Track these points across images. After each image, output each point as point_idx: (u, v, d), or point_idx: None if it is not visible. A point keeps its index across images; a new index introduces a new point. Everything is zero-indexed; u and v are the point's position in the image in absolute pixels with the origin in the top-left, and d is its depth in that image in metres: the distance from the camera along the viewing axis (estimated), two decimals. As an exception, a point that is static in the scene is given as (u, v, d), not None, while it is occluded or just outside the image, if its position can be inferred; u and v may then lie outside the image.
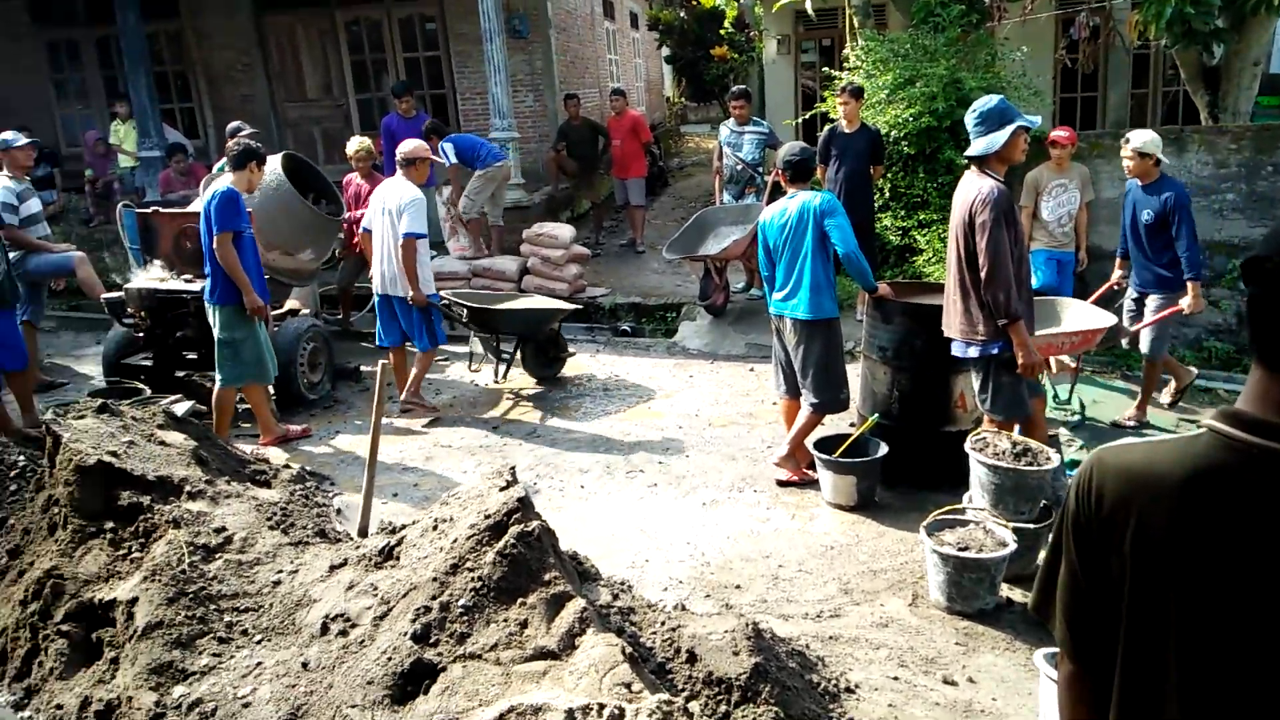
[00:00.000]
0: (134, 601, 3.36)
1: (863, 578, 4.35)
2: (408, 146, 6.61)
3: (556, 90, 12.25)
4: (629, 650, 2.88)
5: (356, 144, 8.25)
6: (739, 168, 8.82)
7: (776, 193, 6.19)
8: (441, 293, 6.94)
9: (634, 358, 7.88)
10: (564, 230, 9.16)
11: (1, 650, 3.52)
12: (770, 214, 5.30)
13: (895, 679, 3.55)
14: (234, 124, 8.67)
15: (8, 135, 7.22)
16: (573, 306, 7.53)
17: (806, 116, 11.35)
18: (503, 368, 7.14)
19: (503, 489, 3.47)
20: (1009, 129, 4.24)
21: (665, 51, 19.01)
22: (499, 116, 10.18)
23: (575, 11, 14.07)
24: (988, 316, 4.33)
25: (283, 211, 6.94)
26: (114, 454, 3.95)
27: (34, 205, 7.28)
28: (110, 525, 3.75)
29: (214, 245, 5.67)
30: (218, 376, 5.88)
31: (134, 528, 3.72)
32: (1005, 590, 4.12)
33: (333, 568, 3.57)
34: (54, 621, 3.44)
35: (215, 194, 5.75)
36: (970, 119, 4.36)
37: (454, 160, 9.28)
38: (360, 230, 7.00)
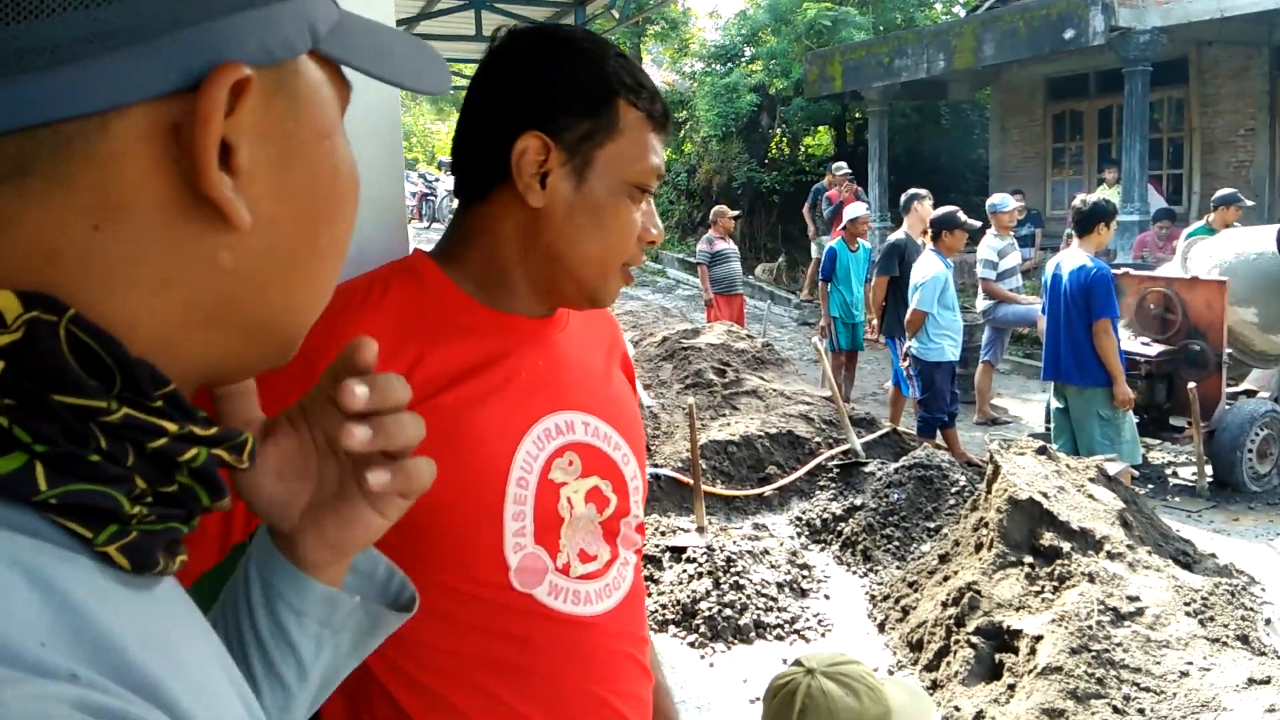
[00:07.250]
0: (1038, 639, 3.49)
1: None
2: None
3: None
4: None
5: None
6: None
7: None
8: None
9: None
10: None
11: (920, 639, 4.03)
12: None
13: None
14: (1225, 191, 8.23)
15: (996, 200, 8.15)
16: None
17: None
18: None
19: None
20: None
21: None
22: None
23: None
24: None
25: (1270, 286, 6.33)
26: (1044, 494, 4.15)
27: (1012, 260, 8.06)
28: (1029, 560, 3.96)
29: (1094, 329, 5.48)
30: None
31: (1050, 569, 3.86)
32: None
33: (1252, 681, 3.14)
34: (965, 630, 3.79)
35: (1084, 270, 5.50)
36: None
37: None
38: None
